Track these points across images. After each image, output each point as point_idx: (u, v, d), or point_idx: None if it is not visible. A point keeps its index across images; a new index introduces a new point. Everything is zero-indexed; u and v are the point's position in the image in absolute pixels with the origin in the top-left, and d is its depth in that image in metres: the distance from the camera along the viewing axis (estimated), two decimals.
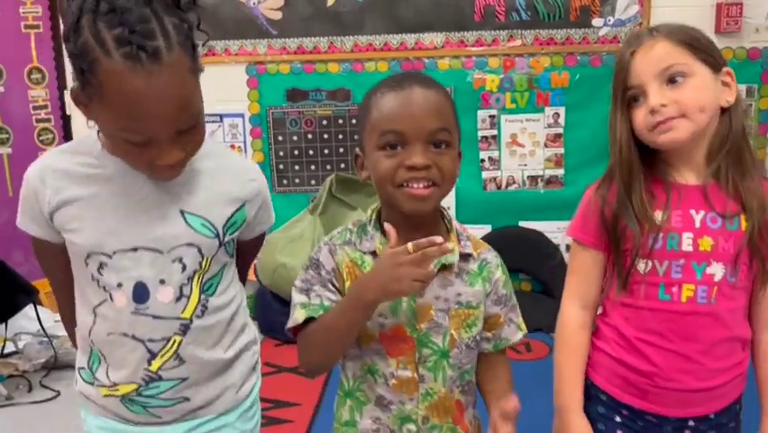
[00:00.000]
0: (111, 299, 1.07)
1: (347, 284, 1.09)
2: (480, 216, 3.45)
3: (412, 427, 1.11)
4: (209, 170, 1.11)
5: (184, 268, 1.08)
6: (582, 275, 1.23)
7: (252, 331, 1.27)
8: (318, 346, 1.08)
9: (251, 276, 3.14)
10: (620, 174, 1.16)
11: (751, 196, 1.10)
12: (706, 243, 1.12)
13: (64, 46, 0.94)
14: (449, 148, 1.04)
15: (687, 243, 1.12)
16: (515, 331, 1.17)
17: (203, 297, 1.11)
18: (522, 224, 3.49)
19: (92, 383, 1.15)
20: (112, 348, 1.10)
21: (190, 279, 1.09)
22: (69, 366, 2.84)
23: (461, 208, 3.47)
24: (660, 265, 1.13)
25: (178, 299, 1.08)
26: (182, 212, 1.07)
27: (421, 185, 1.02)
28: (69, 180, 1.06)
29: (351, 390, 1.14)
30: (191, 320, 1.10)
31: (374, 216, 1.12)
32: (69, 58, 0.94)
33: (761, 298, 1.17)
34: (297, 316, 1.08)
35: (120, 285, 1.06)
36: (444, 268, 1.09)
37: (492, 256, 1.16)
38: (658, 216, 1.13)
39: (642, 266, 1.15)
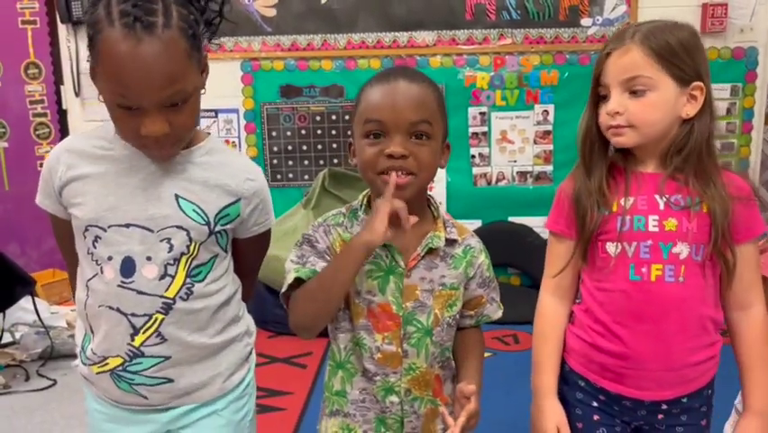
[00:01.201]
0: (101, 271, 1.14)
1: None
2: (470, 211, 3.52)
3: (395, 398, 1.17)
4: (209, 163, 1.18)
5: (171, 248, 1.13)
6: (558, 264, 1.27)
7: (246, 323, 1.31)
8: (312, 296, 1.11)
9: None
10: (581, 159, 1.24)
11: (714, 203, 1.15)
12: (671, 224, 1.17)
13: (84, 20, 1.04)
14: (430, 140, 1.10)
15: (653, 224, 1.18)
16: (495, 309, 1.26)
17: (189, 280, 1.16)
18: (511, 219, 3.55)
19: (85, 363, 1.21)
20: (100, 321, 1.17)
21: (177, 260, 1.14)
22: (66, 356, 2.91)
23: (452, 203, 3.54)
24: (629, 246, 1.19)
25: (162, 277, 1.14)
26: (176, 196, 1.14)
27: (398, 174, 1.08)
28: (82, 159, 1.14)
29: (342, 361, 1.20)
30: (174, 300, 1.15)
31: (365, 202, 1.19)
32: (86, 29, 1.04)
33: (732, 283, 1.21)
34: (290, 277, 1.13)
35: (110, 258, 1.13)
36: (431, 252, 1.16)
37: (476, 242, 1.23)
38: (623, 201, 1.19)
39: (612, 249, 1.20)
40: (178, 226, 1.13)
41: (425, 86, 1.11)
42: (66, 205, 1.16)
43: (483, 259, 1.23)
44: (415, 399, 1.18)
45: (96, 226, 1.13)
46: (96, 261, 1.15)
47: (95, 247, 1.14)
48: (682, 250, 1.17)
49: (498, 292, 1.27)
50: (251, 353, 1.32)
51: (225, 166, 1.19)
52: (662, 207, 1.18)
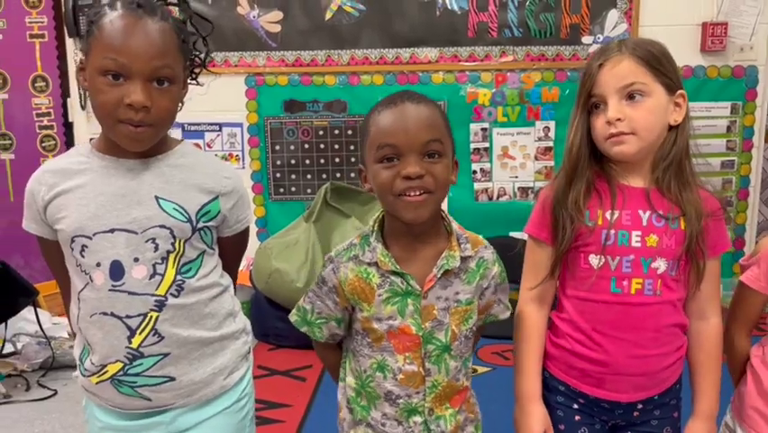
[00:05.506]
0: (91, 279, 1.17)
1: (351, 298, 1.18)
2: (471, 227, 3.42)
3: (418, 418, 1.19)
4: (185, 165, 1.22)
5: (156, 248, 1.17)
6: (537, 270, 1.30)
7: (242, 321, 1.34)
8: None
9: (246, 281, 3.22)
10: (565, 171, 1.26)
11: (690, 206, 1.21)
12: (652, 240, 1.22)
13: (81, 20, 1.16)
14: (441, 157, 1.12)
15: (636, 240, 1.22)
16: (503, 310, 1.29)
17: (179, 277, 1.19)
18: (512, 234, 3.55)
19: (84, 375, 1.23)
20: (95, 329, 1.19)
21: (164, 259, 1.18)
22: (66, 366, 2.93)
23: (454, 218, 3.53)
24: (612, 260, 1.23)
25: (152, 276, 1.17)
26: (156, 198, 1.18)
27: (417, 193, 1.10)
28: (62, 176, 1.19)
29: (363, 383, 1.22)
30: (166, 297, 1.18)
31: (376, 227, 1.20)
32: (86, 25, 1.14)
33: (694, 295, 1.27)
34: (296, 319, 1.28)
35: (99, 264, 1.16)
36: (447, 271, 1.17)
37: (489, 253, 1.24)
38: (608, 214, 1.22)
39: (595, 261, 1.24)
40: (161, 226, 1.17)
41: (430, 106, 1.14)
42: (51, 223, 1.19)
43: (496, 270, 1.24)
44: (438, 417, 1.20)
45: (82, 236, 1.16)
46: (85, 270, 1.17)
47: (82, 257, 1.17)
48: (660, 265, 1.22)
49: (507, 294, 1.28)
50: (249, 351, 1.35)
51: (201, 166, 1.24)
52: (645, 222, 1.23)
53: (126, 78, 1.10)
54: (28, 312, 2.96)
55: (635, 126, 1.19)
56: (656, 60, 1.20)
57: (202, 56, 1.27)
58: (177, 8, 1.25)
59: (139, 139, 1.14)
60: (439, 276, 1.16)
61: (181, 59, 1.17)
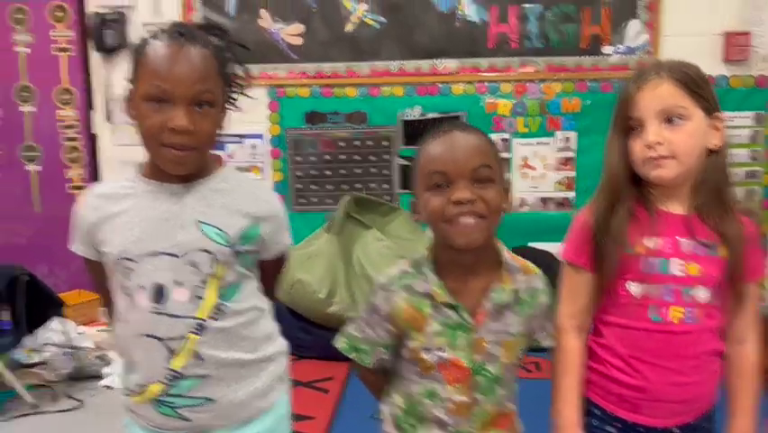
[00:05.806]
0: (134, 301, 1.20)
1: (404, 326, 1.18)
2: None
3: None
4: (227, 189, 1.25)
5: (198, 271, 1.19)
6: (576, 297, 1.28)
7: (281, 343, 1.35)
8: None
9: None
10: (605, 195, 1.24)
11: (731, 233, 1.20)
12: (694, 268, 1.20)
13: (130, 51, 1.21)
14: (492, 183, 1.11)
15: (677, 268, 1.21)
16: (545, 337, 1.27)
17: (219, 301, 1.21)
18: (533, 245, 3.54)
19: (126, 394, 1.26)
20: (137, 350, 1.21)
21: (205, 282, 1.20)
22: (93, 377, 2.96)
23: None
24: (652, 288, 1.22)
25: (193, 299, 1.19)
26: (198, 222, 1.20)
27: (469, 219, 1.09)
28: (108, 200, 1.23)
29: (413, 405, 1.22)
30: (206, 321, 1.20)
31: (429, 257, 1.19)
32: (132, 56, 1.19)
33: (733, 319, 1.27)
34: (339, 338, 1.28)
35: (142, 287, 1.19)
36: (499, 305, 1.16)
37: (540, 282, 1.22)
38: (647, 241, 1.21)
39: (635, 289, 1.23)
40: (202, 250, 1.19)
41: (479, 134, 1.14)
42: (97, 245, 1.22)
43: (545, 299, 1.23)
44: None
45: (126, 259, 1.19)
46: (129, 292, 1.20)
47: (127, 279, 1.20)
48: (701, 293, 1.22)
49: (552, 321, 1.27)
50: (285, 372, 1.36)
51: (243, 191, 1.26)
52: (684, 249, 1.21)
53: (169, 103, 1.13)
54: (54, 323, 2.99)
55: (675, 150, 1.18)
56: (695, 84, 1.19)
57: (240, 81, 1.28)
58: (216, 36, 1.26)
59: (182, 162, 1.17)
60: (491, 310, 1.16)
61: (221, 83, 1.20)
